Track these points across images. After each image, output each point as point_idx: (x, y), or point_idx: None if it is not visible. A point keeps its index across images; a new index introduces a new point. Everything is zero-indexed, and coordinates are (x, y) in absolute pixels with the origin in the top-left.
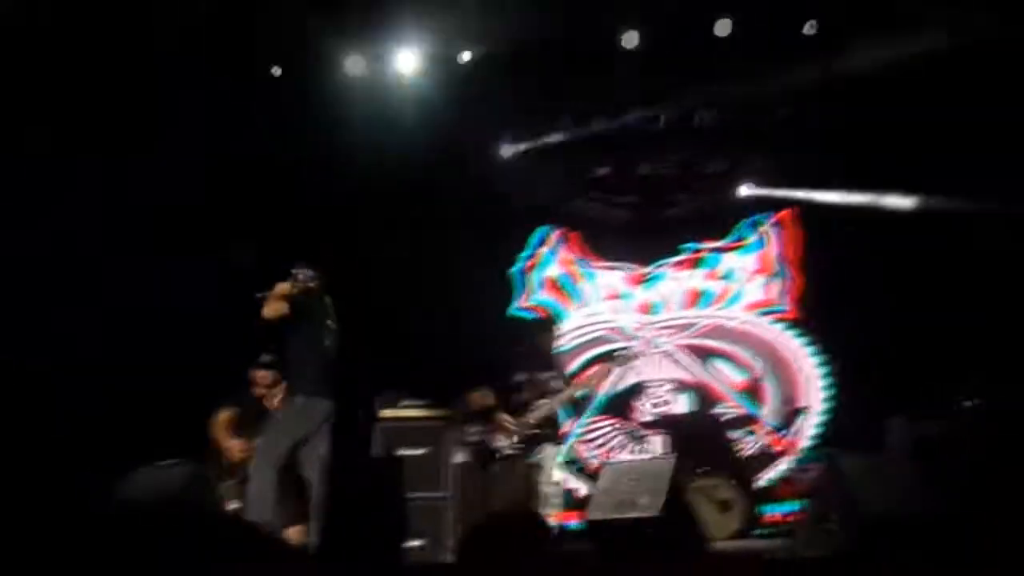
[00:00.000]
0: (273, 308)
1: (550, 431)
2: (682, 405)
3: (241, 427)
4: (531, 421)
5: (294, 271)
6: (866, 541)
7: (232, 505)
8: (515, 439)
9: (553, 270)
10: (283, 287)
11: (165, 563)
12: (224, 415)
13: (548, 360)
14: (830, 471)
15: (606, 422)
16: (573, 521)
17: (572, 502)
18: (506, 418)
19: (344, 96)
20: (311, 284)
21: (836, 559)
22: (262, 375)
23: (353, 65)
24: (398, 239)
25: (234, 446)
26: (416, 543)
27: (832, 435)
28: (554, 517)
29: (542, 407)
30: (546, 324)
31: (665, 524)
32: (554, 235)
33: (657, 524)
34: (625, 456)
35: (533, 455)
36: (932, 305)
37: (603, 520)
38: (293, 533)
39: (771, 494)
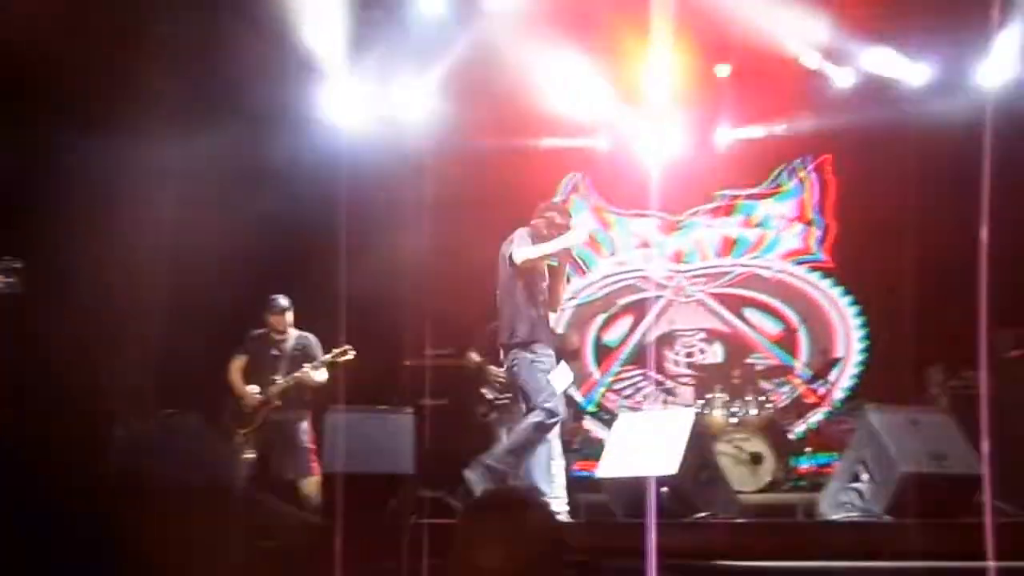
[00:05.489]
0: None
1: None
2: (714, 355)
3: (256, 374)
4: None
5: None
6: (900, 500)
7: (248, 455)
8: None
9: (583, 217)
10: None
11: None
12: (239, 361)
13: None
14: (863, 426)
15: (636, 371)
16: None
17: (599, 452)
18: (492, 370)
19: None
20: None
21: (867, 519)
22: (277, 319)
23: None
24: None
25: (249, 393)
26: None
27: (867, 387)
28: (578, 465)
29: None
30: None
31: (682, 482)
32: (585, 181)
33: (672, 482)
34: (654, 406)
35: None
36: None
37: (616, 476)
38: (309, 485)
39: (804, 446)
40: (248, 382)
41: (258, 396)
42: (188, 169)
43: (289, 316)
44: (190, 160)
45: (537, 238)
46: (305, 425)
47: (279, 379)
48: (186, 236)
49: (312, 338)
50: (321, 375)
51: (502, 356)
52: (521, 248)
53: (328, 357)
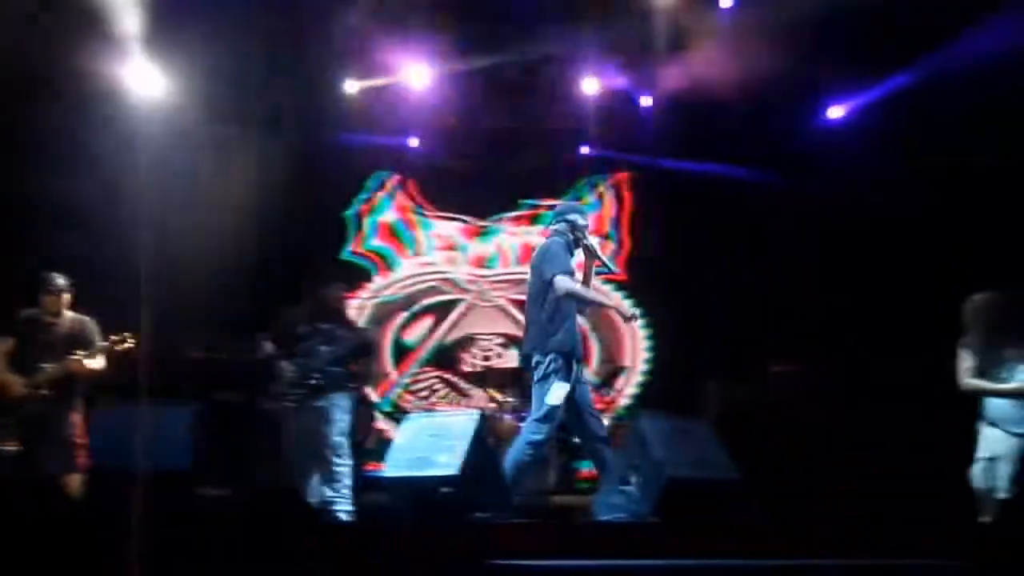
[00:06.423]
0: None
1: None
2: (510, 359)
3: (23, 359)
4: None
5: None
6: (666, 504)
7: (8, 447)
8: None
9: (389, 216)
10: None
11: None
12: (4, 345)
13: (331, 313)
14: (634, 432)
15: (432, 373)
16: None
17: None
18: (284, 364)
19: None
20: None
21: (634, 520)
22: (51, 300)
23: None
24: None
25: (12, 382)
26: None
27: (650, 396)
28: (371, 466)
29: (324, 354)
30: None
31: (464, 484)
32: (392, 180)
33: (454, 483)
34: (447, 408)
35: (322, 402)
36: (753, 272)
37: (400, 476)
38: (73, 481)
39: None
40: (15, 368)
41: (22, 384)
42: None
43: (66, 298)
44: None
45: (567, 244)
46: (74, 417)
47: (47, 366)
48: None
49: (89, 323)
50: (96, 363)
51: (532, 362)
52: (563, 277)
53: (105, 344)
